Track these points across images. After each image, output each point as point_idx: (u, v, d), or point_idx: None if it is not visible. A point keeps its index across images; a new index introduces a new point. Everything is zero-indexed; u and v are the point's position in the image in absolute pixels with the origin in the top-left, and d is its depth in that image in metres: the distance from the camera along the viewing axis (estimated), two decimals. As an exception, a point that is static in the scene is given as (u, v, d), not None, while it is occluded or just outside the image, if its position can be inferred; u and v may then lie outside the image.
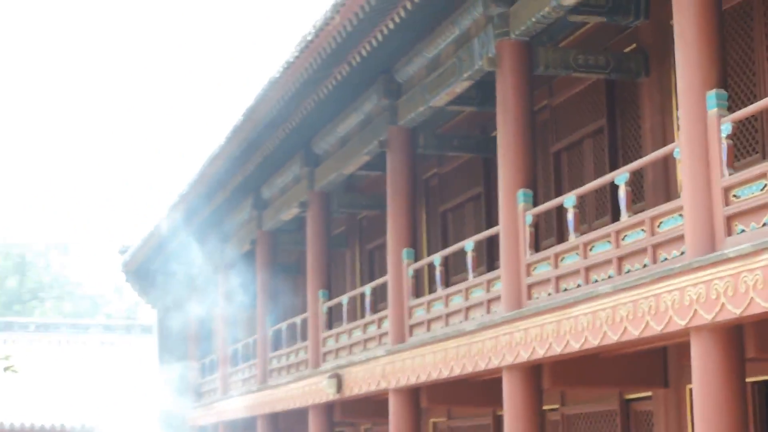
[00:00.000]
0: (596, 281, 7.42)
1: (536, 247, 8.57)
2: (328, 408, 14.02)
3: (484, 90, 10.03)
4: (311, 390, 13.87)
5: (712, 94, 6.10)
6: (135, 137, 74.90)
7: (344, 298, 13.68)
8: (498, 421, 11.12)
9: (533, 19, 8.25)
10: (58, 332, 29.82)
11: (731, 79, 7.34)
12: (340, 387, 12.64)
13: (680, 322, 6.10)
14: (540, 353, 7.92)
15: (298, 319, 15.28)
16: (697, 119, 6.22)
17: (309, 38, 10.53)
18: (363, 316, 12.91)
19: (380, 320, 12.04)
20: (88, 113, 76.58)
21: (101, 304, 42.26)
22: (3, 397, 23.73)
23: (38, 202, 67.11)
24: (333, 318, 14.12)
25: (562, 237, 9.08)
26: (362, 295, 13.29)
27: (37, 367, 25.23)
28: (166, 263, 20.92)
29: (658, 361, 8.67)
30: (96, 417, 23.75)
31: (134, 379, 25.94)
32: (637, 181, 8.26)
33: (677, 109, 7.14)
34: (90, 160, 78.16)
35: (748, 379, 6.66)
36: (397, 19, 9.45)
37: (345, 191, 14.92)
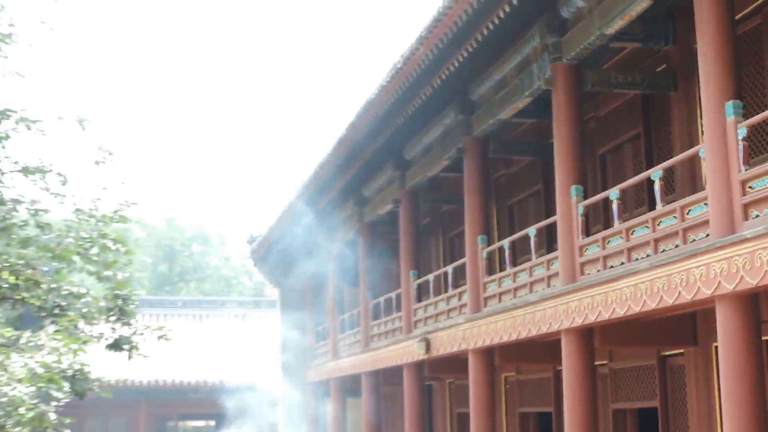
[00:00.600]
0: (637, 259, 7.52)
1: (587, 232, 8.67)
2: (419, 366, 14.22)
3: (541, 105, 10.08)
4: (405, 351, 14.06)
5: (729, 104, 6.24)
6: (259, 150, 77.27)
7: (431, 277, 13.84)
8: (557, 375, 11.17)
9: (581, 46, 8.42)
10: (200, 308, 30.26)
11: (745, 91, 7.39)
12: (428, 349, 12.83)
13: (707, 292, 6.25)
14: (591, 319, 8.08)
15: (393, 294, 15.46)
16: (718, 125, 6.36)
17: (398, 66, 10.71)
18: (446, 290, 12.98)
19: (460, 294, 12.16)
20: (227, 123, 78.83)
21: (234, 285, 43.12)
22: (158, 359, 24.86)
23: (183, 200, 70.38)
24: (422, 293, 14.24)
25: (608, 224, 9.04)
26: (445, 274, 13.35)
27: (184, 336, 25.93)
28: (286, 250, 21.03)
29: (688, 324, 8.69)
30: (231, 375, 24.21)
31: (261, 344, 26.30)
32: (669, 176, 8.26)
33: (701, 117, 7.31)
34: (227, 164, 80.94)
35: (764, 338, 6.72)
36: (470, 49, 9.61)
37: (429, 190, 14.89)
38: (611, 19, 7.75)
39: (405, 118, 12.51)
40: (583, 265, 8.55)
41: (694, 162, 8.12)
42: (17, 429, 8.23)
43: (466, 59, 9.96)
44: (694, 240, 6.69)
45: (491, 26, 8.82)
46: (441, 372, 14.93)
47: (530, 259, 10.15)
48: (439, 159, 13.02)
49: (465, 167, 11.99)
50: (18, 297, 7.70)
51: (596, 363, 9.34)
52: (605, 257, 8.09)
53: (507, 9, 8.26)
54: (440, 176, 14.21)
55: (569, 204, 8.73)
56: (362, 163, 14.94)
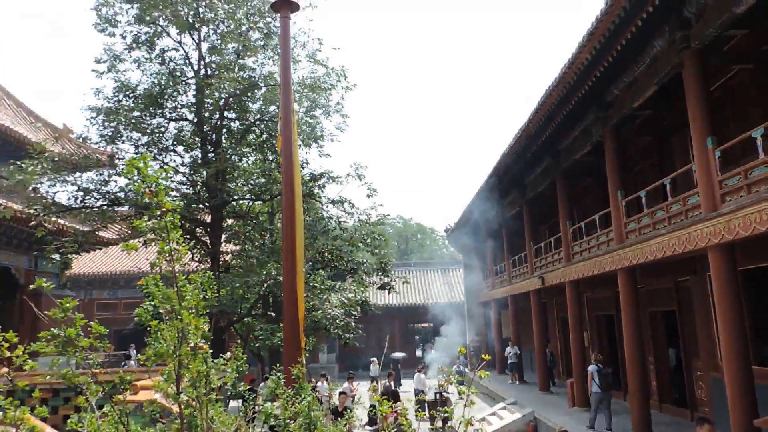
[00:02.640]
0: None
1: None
2: (538, 292, 19.17)
3: (667, 92, 11.02)
4: (530, 283, 19.14)
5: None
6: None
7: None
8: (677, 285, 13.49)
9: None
10: (421, 267, 41.41)
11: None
12: (544, 282, 17.25)
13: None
14: (729, 238, 8.82)
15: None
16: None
17: (559, 76, 11.87)
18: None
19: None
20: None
21: (438, 254, 60.19)
22: (403, 293, 34.57)
23: (409, 204, 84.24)
24: (577, 235, 15.75)
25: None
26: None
27: (414, 281, 36.99)
28: (468, 232, 27.29)
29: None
30: (439, 299, 35.33)
31: (454, 284, 37.63)
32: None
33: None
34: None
35: (739, 269, 9.20)
36: (606, 64, 10.93)
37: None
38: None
39: (561, 118, 13.38)
40: (722, 195, 9.23)
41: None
42: (335, 330, 14.60)
43: (604, 69, 10.95)
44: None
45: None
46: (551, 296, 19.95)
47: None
48: (585, 145, 14.06)
49: (606, 152, 13.03)
50: (333, 265, 14.10)
51: (739, 268, 9.78)
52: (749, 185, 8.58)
53: None
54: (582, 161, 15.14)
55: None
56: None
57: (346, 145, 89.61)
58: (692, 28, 9.93)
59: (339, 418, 4.59)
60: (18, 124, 21.37)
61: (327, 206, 14.17)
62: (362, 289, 14.70)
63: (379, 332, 33.29)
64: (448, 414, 3.54)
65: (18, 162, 13.31)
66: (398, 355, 28.26)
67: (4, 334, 2.89)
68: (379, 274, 14.24)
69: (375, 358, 22.40)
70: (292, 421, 3.99)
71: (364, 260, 14.40)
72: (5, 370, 3.21)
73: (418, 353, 35.20)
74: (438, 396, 14.81)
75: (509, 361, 22.82)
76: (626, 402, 15.02)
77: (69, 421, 3.42)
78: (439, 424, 3.88)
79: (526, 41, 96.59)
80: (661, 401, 14.68)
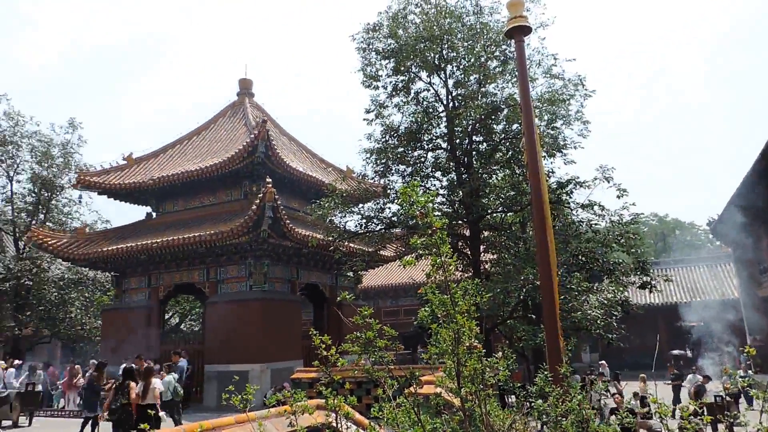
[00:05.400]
0: None
1: None
2: None
3: None
4: None
5: None
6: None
7: None
8: None
9: None
10: (684, 264, 35.27)
11: None
12: None
13: None
14: None
15: None
16: None
17: None
18: None
19: None
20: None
21: (703, 248, 49.35)
22: (666, 291, 30.29)
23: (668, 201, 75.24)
24: None
25: None
26: None
27: (675, 278, 31.72)
28: (738, 223, 22.37)
29: None
30: (707, 296, 30.01)
31: (725, 280, 30.68)
32: None
33: None
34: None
35: None
36: None
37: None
38: None
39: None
40: None
41: None
42: (596, 330, 13.61)
43: None
44: None
45: None
46: None
47: None
48: None
49: None
50: (588, 266, 13.32)
51: None
52: None
53: None
54: None
55: None
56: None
57: (592, 148, 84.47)
58: None
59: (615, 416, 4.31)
60: (314, 170, 24.78)
61: (576, 211, 13.54)
62: (621, 289, 13.57)
63: (642, 331, 30.23)
64: (740, 420, 3.05)
65: (317, 200, 15.73)
66: (678, 352, 25.49)
67: (322, 337, 3.33)
68: (638, 273, 13.07)
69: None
70: (563, 419, 3.87)
71: (620, 260, 13.37)
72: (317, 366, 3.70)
73: (688, 353, 30.91)
74: (720, 399, 12.87)
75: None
76: None
77: (372, 409, 3.79)
78: (722, 428, 3.37)
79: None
80: None
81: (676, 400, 16.16)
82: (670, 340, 31.33)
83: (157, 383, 11.33)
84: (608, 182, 12.64)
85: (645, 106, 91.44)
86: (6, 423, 16.31)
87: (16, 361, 20.74)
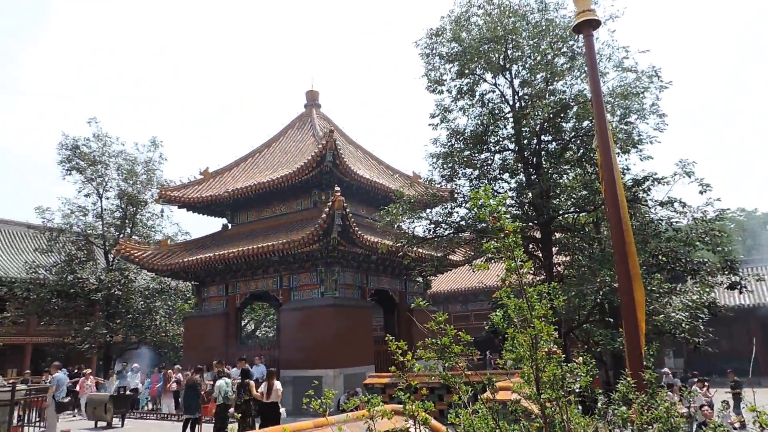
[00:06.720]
0: None
1: None
2: None
3: None
4: None
5: None
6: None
7: None
8: None
9: None
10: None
11: None
12: None
13: None
14: None
15: None
16: None
17: None
18: None
19: None
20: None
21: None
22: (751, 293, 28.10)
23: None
24: None
25: None
26: None
27: (766, 281, 29.43)
28: None
29: None
30: None
31: None
32: None
33: None
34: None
35: None
36: None
37: None
38: None
39: None
40: None
41: None
42: (681, 334, 12.85)
43: None
44: None
45: None
46: None
47: None
48: None
49: None
50: (669, 267, 12.64)
51: None
52: None
53: None
54: None
55: None
56: None
57: (669, 144, 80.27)
58: None
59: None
60: (381, 177, 24.99)
61: (655, 209, 12.87)
62: (707, 290, 12.75)
63: (732, 335, 28.32)
64: None
65: (385, 207, 15.81)
66: None
67: (398, 343, 3.35)
68: (726, 272, 12.24)
69: None
70: (650, 426, 3.71)
71: (705, 260, 12.56)
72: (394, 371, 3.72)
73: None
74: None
75: None
76: None
77: (448, 414, 3.77)
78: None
79: None
80: None
81: (737, 408, 15.09)
82: (764, 344, 29.12)
83: (278, 384, 12.59)
84: (689, 177, 11.95)
85: (733, 93, 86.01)
86: (101, 424, 17.44)
87: (117, 367, 22.40)
